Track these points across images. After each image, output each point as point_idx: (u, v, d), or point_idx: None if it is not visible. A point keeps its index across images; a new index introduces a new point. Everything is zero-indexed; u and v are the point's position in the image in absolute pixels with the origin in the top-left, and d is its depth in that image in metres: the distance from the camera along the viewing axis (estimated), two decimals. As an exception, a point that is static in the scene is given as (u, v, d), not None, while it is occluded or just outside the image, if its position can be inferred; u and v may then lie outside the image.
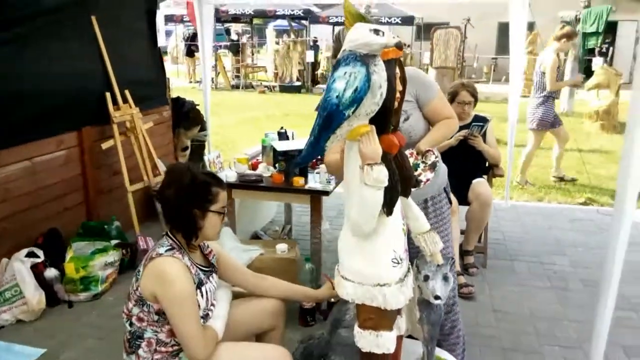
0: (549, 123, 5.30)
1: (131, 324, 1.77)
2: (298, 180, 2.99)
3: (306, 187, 3.00)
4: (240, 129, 8.98)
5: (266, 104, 12.48)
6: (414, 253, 1.76)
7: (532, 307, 3.12)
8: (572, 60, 9.98)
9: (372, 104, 1.38)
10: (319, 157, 2.84)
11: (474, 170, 3.58)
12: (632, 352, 2.66)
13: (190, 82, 15.93)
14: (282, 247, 2.99)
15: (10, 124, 3.16)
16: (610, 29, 13.67)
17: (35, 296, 2.92)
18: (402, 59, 1.50)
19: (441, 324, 1.91)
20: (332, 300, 2.20)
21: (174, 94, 5.40)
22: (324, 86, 14.30)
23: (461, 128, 3.36)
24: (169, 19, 16.73)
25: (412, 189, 1.63)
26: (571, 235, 4.26)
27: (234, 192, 3.10)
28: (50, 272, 3.08)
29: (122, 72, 3.91)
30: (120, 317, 1.84)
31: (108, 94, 3.75)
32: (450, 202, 2.36)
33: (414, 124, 2.15)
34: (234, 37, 18.85)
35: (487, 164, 3.70)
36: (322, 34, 17.16)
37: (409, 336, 1.94)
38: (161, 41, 5.02)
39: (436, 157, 2.06)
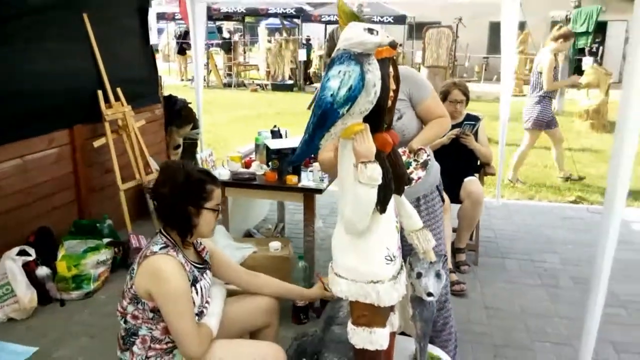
0: (545, 123, 5.32)
1: (126, 322, 1.77)
2: (291, 179, 2.99)
3: (299, 185, 3.00)
4: (233, 127, 8.96)
5: (258, 102, 12.46)
6: (407, 250, 1.78)
7: (523, 304, 3.15)
8: (563, 59, 10.05)
9: (366, 102, 1.39)
10: (313, 155, 2.84)
11: (466, 169, 3.61)
12: (621, 348, 2.70)
13: (182, 80, 15.87)
14: (275, 245, 2.99)
15: (1, 121, 3.14)
16: (600, 28, 13.81)
17: (27, 294, 2.91)
18: (395, 57, 1.51)
19: (434, 320, 1.93)
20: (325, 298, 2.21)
21: (166, 92, 5.39)
22: (317, 85, 14.34)
23: (453, 127, 3.38)
24: (160, 16, 16.72)
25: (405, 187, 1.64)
26: (561, 233, 4.30)
27: (227, 190, 3.10)
28: (42, 271, 3.07)
29: (114, 70, 3.90)
30: (112, 315, 1.84)
31: (100, 92, 3.74)
32: (443, 200, 2.38)
33: (407, 123, 2.16)
34: (225, 35, 18.81)
35: (478, 163, 3.73)
36: (314, 32, 17.17)
37: (402, 333, 1.96)
38: (153, 39, 5.01)
39: (428, 156, 2.08)
